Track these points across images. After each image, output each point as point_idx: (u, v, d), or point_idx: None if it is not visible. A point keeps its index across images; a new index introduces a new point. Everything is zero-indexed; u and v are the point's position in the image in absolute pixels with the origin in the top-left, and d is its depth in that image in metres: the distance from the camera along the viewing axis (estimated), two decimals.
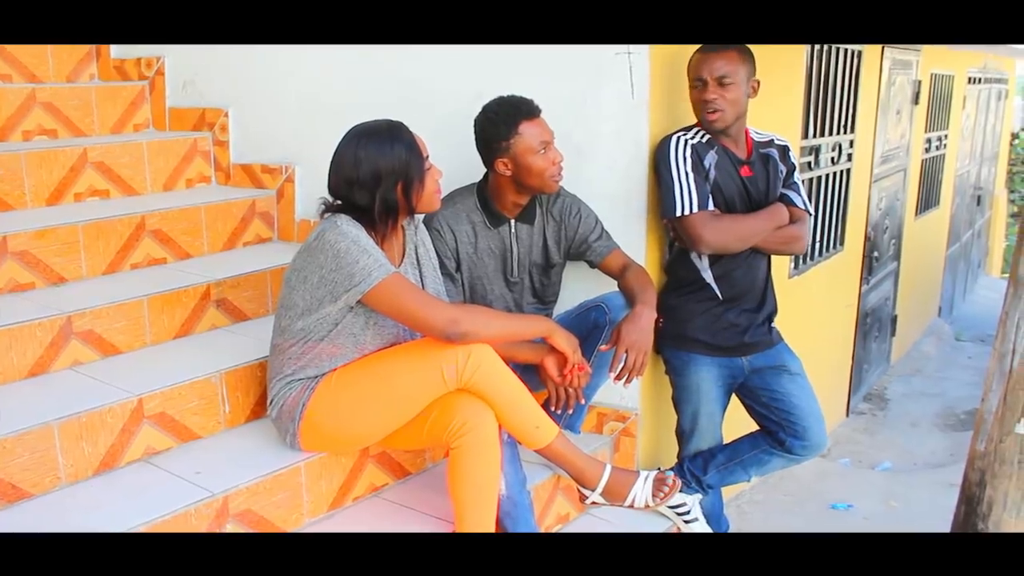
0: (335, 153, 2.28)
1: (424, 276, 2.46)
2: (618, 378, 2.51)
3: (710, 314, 2.75)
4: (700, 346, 2.77)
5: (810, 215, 2.80)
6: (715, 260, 2.72)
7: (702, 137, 2.66)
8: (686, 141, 2.64)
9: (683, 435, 2.89)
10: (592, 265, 2.72)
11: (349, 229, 2.20)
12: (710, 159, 2.65)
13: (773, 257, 2.85)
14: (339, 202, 2.29)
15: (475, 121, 2.57)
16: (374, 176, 2.22)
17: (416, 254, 2.46)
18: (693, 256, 2.73)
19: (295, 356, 2.31)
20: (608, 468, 2.42)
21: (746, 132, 2.72)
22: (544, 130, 2.53)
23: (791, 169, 2.78)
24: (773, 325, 2.87)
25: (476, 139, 2.57)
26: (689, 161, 2.62)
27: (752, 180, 2.70)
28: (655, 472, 2.47)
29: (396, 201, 2.26)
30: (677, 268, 2.81)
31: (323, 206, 2.31)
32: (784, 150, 2.78)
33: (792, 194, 2.76)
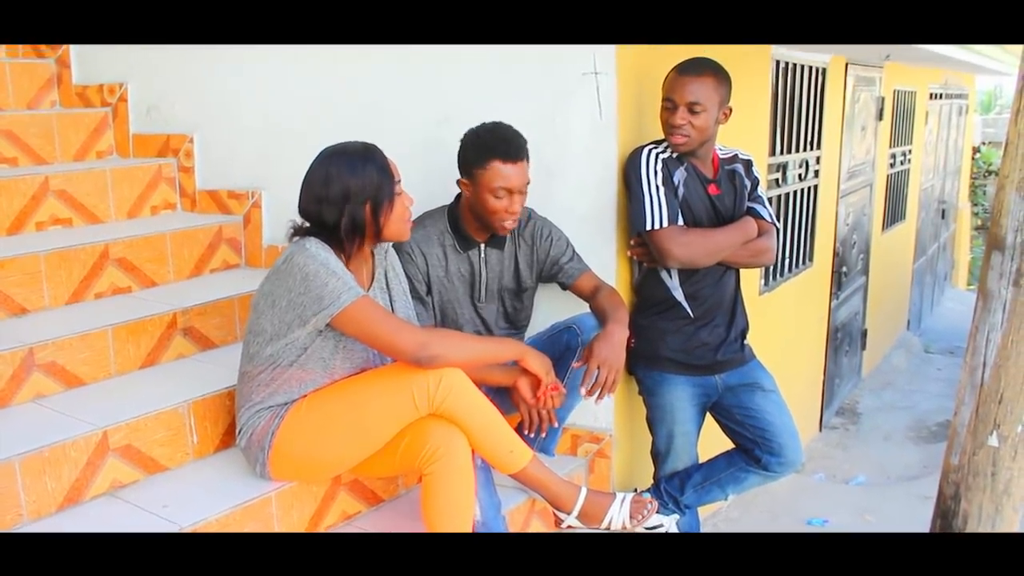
0: (307, 172, 2.26)
1: (394, 300, 2.43)
2: (589, 393, 2.48)
3: (682, 333, 2.75)
4: (673, 365, 2.76)
5: (777, 228, 2.81)
6: (685, 278, 2.71)
7: (672, 153, 2.66)
8: (657, 155, 2.64)
9: (658, 455, 2.87)
10: (564, 287, 2.71)
11: (318, 251, 2.17)
12: (679, 175, 2.65)
13: (743, 274, 2.86)
14: (308, 224, 2.27)
15: (464, 135, 2.54)
16: (343, 193, 2.20)
17: (386, 278, 2.43)
18: (663, 274, 2.72)
19: (264, 383, 2.27)
20: (583, 491, 2.40)
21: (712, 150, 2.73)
22: (513, 177, 2.45)
23: (755, 183, 2.79)
24: (746, 342, 2.87)
25: (458, 152, 2.54)
26: (660, 175, 2.62)
27: (720, 198, 2.70)
28: (631, 494, 2.44)
29: (364, 220, 2.23)
30: (647, 287, 2.80)
31: (292, 229, 2.29)
32: (748, 164, 2.79)
33: (758, 207, 2.77)
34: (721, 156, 2.76)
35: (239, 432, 2.34)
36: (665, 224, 2.59)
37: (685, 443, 2.82)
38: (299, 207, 2.27)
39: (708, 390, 2.79)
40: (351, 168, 2.21)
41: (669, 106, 2.59)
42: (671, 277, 2.72)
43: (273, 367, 2.25)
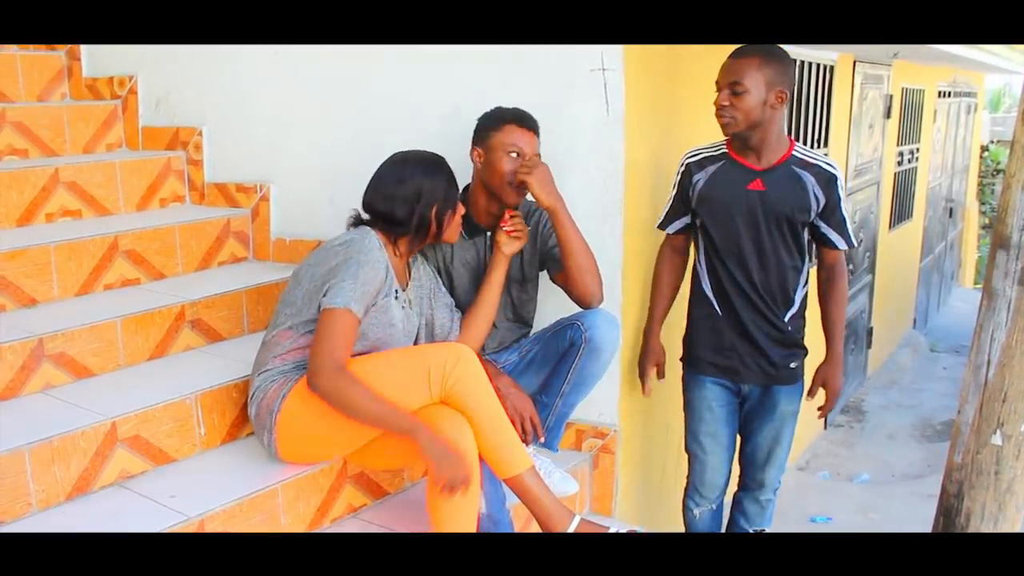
0: (377, 173, 2.43)
1: (422, 301, 2.51)
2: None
3: (714, 330, 2.72)
4: (702, 363, 2.76)
5: (849, 248, 2.69)
6: (711, 270, 2.70)
7: (716, 150, 2.67)
8: (688, 156, 2.71)
9: (689, 455, 2.88)
10: (552, 277, 2.68)
11: (371, 252, 2.28)
12: (703, 174, 2.65)
13: None
14: (369, 216, 2.40)
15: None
16: (416, 194, 2.36)
17: (422, 277, 2.53)
18: (697, 264, 2.75)
19: (284, 348, 2.32)
20: (576, 519, 2.28)
21: (791, 145, 2.63)
22: (526, 141, 2.52)
23: (832, 201, 2.60)
24: (794, 364, 2.75)
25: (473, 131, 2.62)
26: (678, 178, 2.72)
27: (765, 195, 2.58)
28: (626, 529, 2.34)
29: (429, 221, 2.38)
30: (693, 277, 2.81)
31: (353, 218, 2.42)
32: (827, 179, 2.59)
33: (827, 231, 2.65)
34: (797, 155, 2.61)
35: (250, 398, 2.38)
36: (658, 226, 2.76)
37: (714, 447, 2.81)
38: (364, 202, 2.42)
39: (740, 395, 2.80)
40: (425, 172, 2.39)
41: (717, 90, 2.57)
42: (701, 266, 2.74)
43: (294, 330, 2.32)
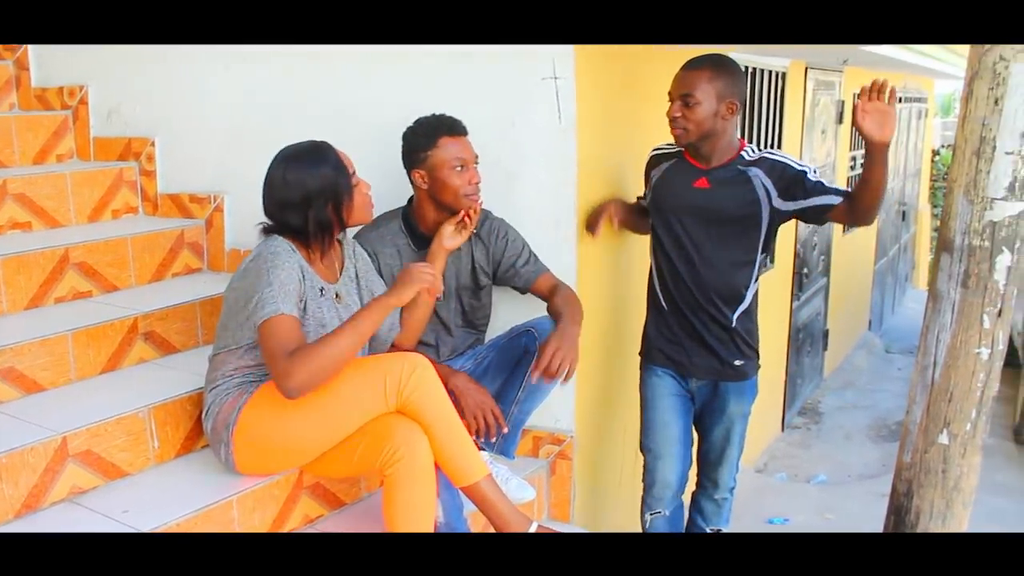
0: (266, 177, 2.33)
1: (363, 290, 2.48)
2: (549, 377, 2.42)
3: (664, 327, 2.77)
4: (653, 352, 2.81)
5: (848, 196, 2.58)
6: (659, 266, 2.75)
7: (674, 149, 2.73)
8: (652, 152, 2.81)
9: (644, 453, 2.90)
10: (521, 291, 2.72)
11: (277, 255, 2.24)
12: (657, 171, 2.74)
13: None
14: (273, 224, 2.34)
15: (403, 134, 2.60)
16: (304, 198, 2.28)
17: (355, 269, 2.48)
18: (651, 263, 2.80)
19: (230, 368, 2.32)
20: (534, 525, 2.30)
21: (740, 146, 2.65)
22: (464, 149, 2.53)
23: (797, 178, 2.59)
24: (739, 361, 2.74)
25: (401, 151, 2.59)
26: (644, 174, 2.80)
27: (708, 192, 2.63)
28: (583, 532, 2.38)
29: (328, 219, 2.32)
30: (649, 277, 2.85)
31: (262, 227, 2.36)
32: (777, 166, 2.61)
33: (819, 200, 2.58)
34: (745, 156, 2.64)
35: (205, 413, 2.36)
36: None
37: (665, 438, 2.82)
38: (264, 210, 2.35)
39: (691, 389, 2.83)
40: (307, 171, 2.29)
41: (670, 101, 2.61)
42: (654, 259, 2.78)
43: (233, 353, 2.31)
